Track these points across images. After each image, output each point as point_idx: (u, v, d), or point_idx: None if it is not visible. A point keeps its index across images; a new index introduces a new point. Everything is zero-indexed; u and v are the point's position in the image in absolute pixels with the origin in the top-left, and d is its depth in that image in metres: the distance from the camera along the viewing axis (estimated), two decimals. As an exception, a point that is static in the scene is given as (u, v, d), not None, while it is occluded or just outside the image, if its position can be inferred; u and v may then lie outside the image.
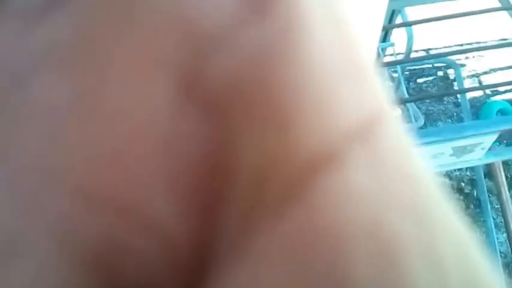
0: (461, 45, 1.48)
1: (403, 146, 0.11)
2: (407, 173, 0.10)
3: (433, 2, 0.96)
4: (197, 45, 0.10)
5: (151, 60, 0.10)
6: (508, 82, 0.87)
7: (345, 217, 0.09)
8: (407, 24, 0.99)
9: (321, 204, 0.09)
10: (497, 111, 1.35)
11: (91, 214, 0.09)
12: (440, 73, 1.52)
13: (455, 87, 1.47)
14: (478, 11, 0.84)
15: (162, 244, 0.10)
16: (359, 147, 0.10)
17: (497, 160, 0.95)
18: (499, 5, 0.91)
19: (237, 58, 0.10)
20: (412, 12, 1.08)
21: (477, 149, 0.83)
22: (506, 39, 1.43)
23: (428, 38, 1.42)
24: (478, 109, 1.41)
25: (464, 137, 0.77)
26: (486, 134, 0.77)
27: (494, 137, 0.78)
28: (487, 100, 1.43)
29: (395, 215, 0.09)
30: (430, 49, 1.48)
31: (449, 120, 1.44)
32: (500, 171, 1.04)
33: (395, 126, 0.11)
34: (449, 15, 0.83)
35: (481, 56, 1.50)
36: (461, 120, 1.35)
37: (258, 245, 0.09)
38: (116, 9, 0.10)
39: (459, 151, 0.81)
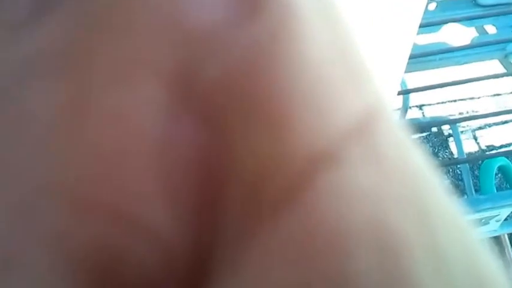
0: (455, 100, 1.47)
1: (401, 142, 0.10)
2: (406, 169, 0.10)
3: (432, 69, 0.94)
4: (190, 49, 0.10)
5: (144, 65, 0.10)
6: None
7: (345, 215, 0.09)
8: (405, 92, 0.96)
9: (320, 202, 0.09)
10: (497, 168, 1.32)
11: (87, 222, 0.09)
12: (434, 129, 1.51)
13: (451, 143, 1.45)
14: (482, 77, 0.81)
15: (160, 249, 0.09)
16: (356, 145, 0.10)
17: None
18: (502, 70, 0.89)
19: (230, 61, 0.10)
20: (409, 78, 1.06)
21: (492, 221, 0.79)
22: (499, 94, 1.43)
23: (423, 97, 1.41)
24: (474, 164, 1.39)
25: (481, 211, 0.73)
26: (504, 206, 0.73)
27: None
28: (484, 156, 1.41)
29: (395, 211, 0.09)
30: (423, 105, 1.47)
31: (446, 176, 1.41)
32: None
33: (392, 123, 0.11)
34: (450, 82, 0.80)
35: (475, 111, 1.49)
36: (459, 178, 1.33)
37: (257, 246, 0.09)
38: (107, 15, 0.10)
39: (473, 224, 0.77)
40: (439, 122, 1.28)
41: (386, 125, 0.10)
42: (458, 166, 1.33)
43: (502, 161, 1.33)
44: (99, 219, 0.09)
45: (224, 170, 0.10)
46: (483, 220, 0.77)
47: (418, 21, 0.59)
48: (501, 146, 1.45)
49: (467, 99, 1.48)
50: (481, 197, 0.83)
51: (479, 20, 0.86)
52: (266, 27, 0.10)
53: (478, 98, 1.47)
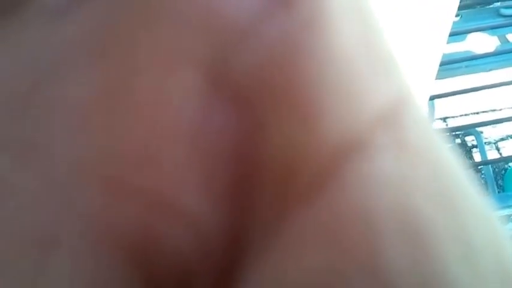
0: (477, 113, 1.50)
1: (428, 133, 0.11)
2: (433, 158, 0.10)
3: (458, 76, 0.99)
4: (223, 38, 0.10)
5: (179, 53, 0.10)
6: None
7: (374, 202, 0.09)
8: (432, 98, 1.00)
9: (349, 189, 0.09)
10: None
11: (123, 205, 0.09)
12: (458, 140, 1.53)
13: (474, 154, 1.47)
14: (501, 83, 0.85)
15: (194, 233, 0.10)
16: (384, 134, 0.10)
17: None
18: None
19: (263, 50, 0.10)
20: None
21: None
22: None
23: (445, 107, 1.44)
24: (497, 174, 1.41)
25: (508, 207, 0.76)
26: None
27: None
28: (508, 166, 1.43)
29: (423, 199, 0.09)
30: (447, 117, 1.50)
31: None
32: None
33: (419, 113, 0.11)
34: (471, 88, 0.84)
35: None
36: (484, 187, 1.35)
37: (290, 233, 0.09)
38: (142, 3, 0.10)
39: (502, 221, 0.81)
40: (464, 127, 1.32)
41: (413, 115, 0.10)
42: (482, 173, 1.36)
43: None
44: (135, 201, 0.09)
45: (256, 156, 0.10)
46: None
47: (448, 31, 0.64)
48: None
49: (489, 111, 1.51)
50: (509, 193, 0.86)
51: (502, 29, 0.91)
52: (298, 18, 0.10)
53: (501, 109, 1.50)
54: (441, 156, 0.10)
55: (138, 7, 0.10)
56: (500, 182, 1.39)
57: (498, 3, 0.92)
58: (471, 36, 0.90)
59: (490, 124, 1.19)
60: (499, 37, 0.95)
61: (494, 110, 1.51)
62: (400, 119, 0.10)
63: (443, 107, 1.38)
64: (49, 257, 0.09)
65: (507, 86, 0.85)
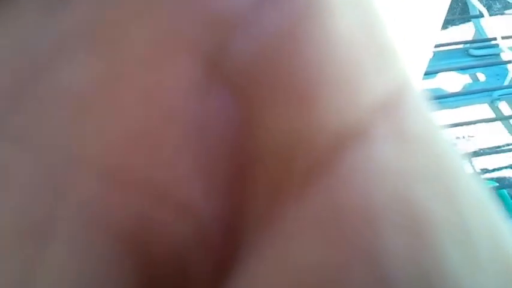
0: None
1: (427, 121, 0.10)
2: (432, 147, 0.10)
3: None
4: (220, 27, 0.10)
5: (176, 42, 0.10)
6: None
7: (372, 191, 0.09)
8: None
9: (348, 179, 0.09)
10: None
11: (119, 194, 0.09)
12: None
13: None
14: (471, 121, 0.89)
15: (192, 223, 0.10)
16: (384, 122, 0.10)
17: None
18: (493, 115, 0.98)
19: (260, 38, 0.10)
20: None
21: None
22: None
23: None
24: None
25: None
26: None
27: None
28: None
29: (422, 188, 0.09)
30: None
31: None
32: None
33: (419, 101, 0.11)
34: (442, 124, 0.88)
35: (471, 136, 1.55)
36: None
37: (287, 221, 0.09)
38: None
39: None
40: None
41: (413, 104, 0.10)
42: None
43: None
44: (132, 191, 0.09)
45: (254, 145, 0.10)
46: None
47: (423, 70, 0.67)
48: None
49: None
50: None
51: (472, 69, 0.96)
52: (296, 6, 0.10)
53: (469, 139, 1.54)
54: (441, 145, 0.10)
55: None
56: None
57: (468, 44, 0.97)
58: (442, 75, 0.95)
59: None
60: (470, 75, 1.00)
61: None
62: (399, 108, 0.10)
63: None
64: (45, 248, 0.09)
65: (476, 123, 0.89)
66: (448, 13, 0.67)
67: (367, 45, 0.10)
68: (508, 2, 1.05)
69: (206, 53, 0.10)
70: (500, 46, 0.93)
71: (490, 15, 0.94)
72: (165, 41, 0.10)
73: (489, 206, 0.10)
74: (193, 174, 0.10)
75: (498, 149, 1.04)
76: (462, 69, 0.93)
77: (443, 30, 0.99)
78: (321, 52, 0.10)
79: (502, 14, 1.05)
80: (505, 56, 0.93)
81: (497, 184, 1.25)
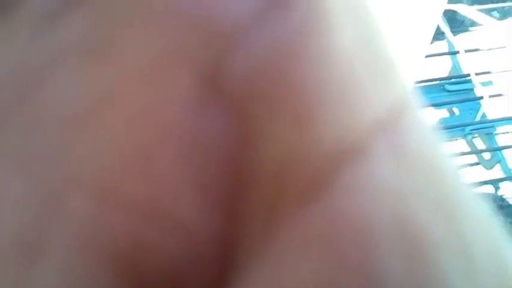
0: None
1: (428, 138, 0.10)
2: (432, 164, 0.10)
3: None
4: (217, 42, 0.10)
5: (172, 57, 0.10)
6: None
7: (370, 209, 0.09)
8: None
9: (345, 197, 0.09)
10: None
11: (114, 213, 0.09)
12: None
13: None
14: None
15: (186, 242, 0.10)
16: (383, 139, 0.10)
17: None
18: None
19: (258, 53, 0.10)
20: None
21: None
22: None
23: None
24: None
25: None
26: None
27: None
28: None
29: (421, 207, 0.09)
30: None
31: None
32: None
33: (420, 118, 0.10)
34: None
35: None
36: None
37: (283, 238, 0.09)
38: (135, 7, 0.10)
39: None
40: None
41: (412, 120, 0.10)
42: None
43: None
44: (126, 210, 0.09)
45: (250, 163, 0.10)
46: None
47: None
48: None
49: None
50: None
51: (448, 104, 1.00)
52: (293, 21, 0.10)
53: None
54: (440, 163, 0.10)
55: (129, 10, 0.10)
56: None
57: (444, 81, 1.02)
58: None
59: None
60: (447, 109, 1.04)
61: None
62: (398, 124, 0.10)
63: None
64: (36, 268, 0.09)
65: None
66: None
67: (367, 61, 0.10)
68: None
69: (203, 68, 0.10)
70: (473, 82, 0.98)
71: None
72: (161, 57, 0.10)
73: (490, 225, 0.10)
74: (187, 192, 0.10)
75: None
76: (437, 105, 0.97)
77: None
78: (319, 69, 0.10)
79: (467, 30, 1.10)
80: (477, 92, 0.98)
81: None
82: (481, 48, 1.01)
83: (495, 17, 1.36)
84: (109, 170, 0.09)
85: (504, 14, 1.38)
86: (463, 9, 1.04)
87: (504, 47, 1.00)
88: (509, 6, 1.41)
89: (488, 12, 1.33)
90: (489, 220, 0.10)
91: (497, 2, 1.35)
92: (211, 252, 0.10)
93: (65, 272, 0.09)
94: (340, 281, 0.09)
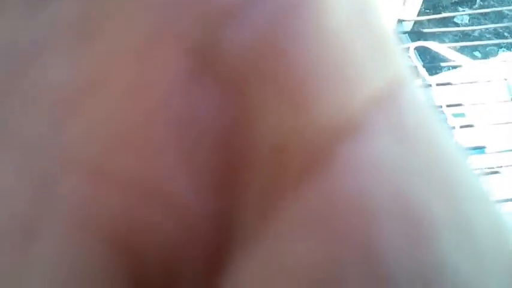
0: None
1: (426, 116, 0.10)
2: (431, 141, 0.10)
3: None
4: (211, 21, 0.10)
5: (165, 36, 0.09)
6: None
7: (371, 186, 0.09)
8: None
9: (344, 173, 0.09)
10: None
11: (107, 194, 0.09)
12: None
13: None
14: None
15: (182, 222, 0.09)
16: (381, 116, 0.10)
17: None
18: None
19: (252, 31, 0.09)
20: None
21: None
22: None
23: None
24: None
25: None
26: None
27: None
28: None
29: (420, 183, 0.09)
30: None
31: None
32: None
33: (416, 94, 0.10)
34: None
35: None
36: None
37: (281, 217, 0.09)
38: None
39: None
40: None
41: (410, 96, 0.10)
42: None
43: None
44: (120, 190, 0.09)
45: (245, 142, 0.10)
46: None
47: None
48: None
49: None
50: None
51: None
52: None
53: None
54: (439, 139, 0.10)
55: None
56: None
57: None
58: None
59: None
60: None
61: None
62: (396, 101, 0.10)
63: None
64: (30, 247, 0.09)
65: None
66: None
67: (362, 37, 0.10)
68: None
69: (196, 47, 0.10)
70: (445, 113, 1.01)
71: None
72: (153, 35, 0.09)
73: (490, 202, 0.10)
74: (181, 171, 0.09)
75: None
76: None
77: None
78: (314, 46, 0.09)
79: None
80: (449, 122, 1.01)
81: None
82: (452, 83, 1.05)
83: (477, 57, 1.41)
84: (102, 150, 0.09)
85: (486, 54, 1.43)
86: (435, 46, 1.09)
87: (475, 82, 1.04)
88: (491, 46, 1.46)
89: (470, 51, 1.39)
90: (488, 197, 0.10)
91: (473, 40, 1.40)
92: (207, 231, 0.10)
93: (61, 253, 0.09)
94: (339, 259, 0.09)
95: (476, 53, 1.46)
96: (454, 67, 1.16)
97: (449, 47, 1.10)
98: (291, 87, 0.09)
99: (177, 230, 0.10)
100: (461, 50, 1.34)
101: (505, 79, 1.02)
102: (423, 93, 0.11)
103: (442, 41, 1.28)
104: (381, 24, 0.11)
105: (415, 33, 1.23)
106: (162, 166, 0.10)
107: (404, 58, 0.11)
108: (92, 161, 0.09)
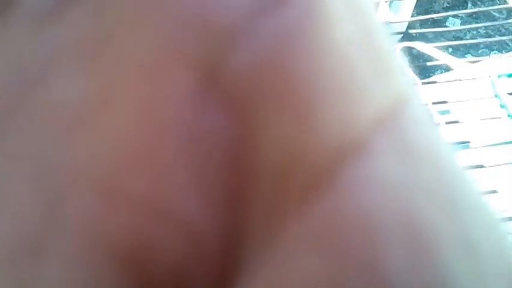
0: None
1: (429, 132, 0.10)
2: (435, 159, 0.10)
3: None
4: (215, 39, 0.10)
5: (171, 54, 0.10)
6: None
7: (374, 204, 0.09)
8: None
9: (348, 192, 0.09)
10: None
11: (117, 213, 0.09)
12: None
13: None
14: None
15: (191, 239, 0.10)
16: (384, 134, 0.10)
17: None
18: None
19: (256, 50, 0.10)
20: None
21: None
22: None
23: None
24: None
25: None
26: None
27: None
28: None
29: (425, 202, 0.09)
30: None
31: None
32: None
33: (420, 112, 0.11)
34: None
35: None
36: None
37: (286, 235, 0.09)
38: (132, 5, 0.10)
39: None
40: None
41: (414, 114, 0.10)
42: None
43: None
44: (130, 208, 0.09)
45: (251, 159, 0.10)
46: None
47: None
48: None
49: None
50: None
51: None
52: (292, 17, 0.10)
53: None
54: (442, 157, 0.10)
55: (127, 8, 0.10)
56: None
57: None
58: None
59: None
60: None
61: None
62: (400, 120, 0.10)
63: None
64: (39, 265, 0.09)
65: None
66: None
67: (366, 57, 0.10)
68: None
69: (202, 66, 0.10)
70: (431, 111, 1.05)
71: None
72: (159, 55, 0.10)
73: (492, 219, 0.10)
74: (190, 190, 0.10)
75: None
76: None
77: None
78: (319, 65, 0.10)
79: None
80: (435, 119, 1.05)
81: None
82: (438, 81, 1.08)
83: (469, 60, 1.44)
84: (112, 168, 0.09)
85: (478, 57, 1.46)
86: (421, 46, 1.12)
87: (460, 80, 1.07)
88: (483, 49, 1.49)
89: (462, 55, 1.42)
90: (491, 215, 0.10)
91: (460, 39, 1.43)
92: (215, 249, 0.10)
93: (71, 271, 0.09)
94: (345, 278, 0.09)
95: (469, 56, 1.50)
96: (447, 69, 1.18)
97: (440, 49, 1.13)
98: (296, 106, 0.10)
99: (186, 247, 0.10)
100: (454, 53, 1.38)
101: (489, 76, 1.05)
102: (425, 110, 0.11)
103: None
104: (383, 43, 0.11)
105: (406, 35, 1.26)
106: (173, 183, 0.10)
107: (406, 76, 0.11)
108: (102, 179, 0.10)
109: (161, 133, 0.10)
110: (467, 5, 1.60)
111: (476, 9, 1.47)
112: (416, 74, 1.11)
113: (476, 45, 1.48)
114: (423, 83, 1.07)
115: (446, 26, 1.54)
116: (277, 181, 0.10)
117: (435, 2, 1.56)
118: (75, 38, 0.10)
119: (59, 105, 0.10)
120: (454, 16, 1.52)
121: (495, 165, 0.97)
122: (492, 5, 1.55)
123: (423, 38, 1.32)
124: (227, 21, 0.10)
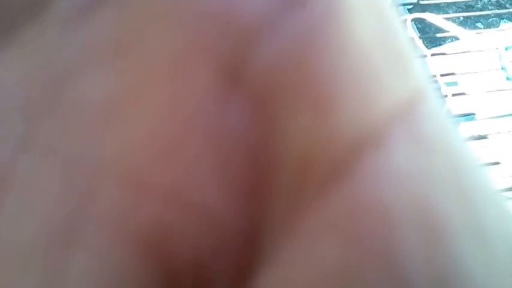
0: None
1: (444, 125, 0.11)
2: (449, 151, 0.10)
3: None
4: (239, 35, 0.10)
5: (196, 51, 0.10)
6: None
7: (391, 195, 0.09)
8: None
9: (366, 183, 0.09)
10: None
11: (145, 203, 0.10)
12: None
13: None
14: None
15: (213, 230, 0.10)
16: (401, 127, 0.10)
17: None
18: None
19: (278, 47, 0.10)
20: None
21: None
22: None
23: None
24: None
25: None
26: None
27: None
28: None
29: (439, 193, 0.09)
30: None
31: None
32: None
33: (435, 106, 0.11)
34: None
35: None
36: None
37: (306, 227, 0.10)
38: (158, 4, 0.10)
39: None
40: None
41: (429, 108, 0.11)
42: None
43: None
44: (156, 200, 0.10)
45: (271, 152, 0.10)
46: None
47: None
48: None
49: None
50: None
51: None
52: (313, 15, 0.10)
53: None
54: (458, 150, 0.10)
55: (154, 7, 0.10)
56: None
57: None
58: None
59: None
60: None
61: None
62: (416, 113, 0.10)
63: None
64: (69, 256, 0.09)
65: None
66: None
67: (384, 50, 0.10)
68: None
69: (227, 61, 0.10)
70: (439, 82, 1.07)
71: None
72: (185, 51, 0.10)
73: (506, 211, 0.10)
74: (213, 183, 0.10)
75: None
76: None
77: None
78: (339, 59, 0.10)
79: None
80: (443, 91, 1.07)
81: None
82: (446, 53, 1.10)
83: (479, 28, 1.45)
84: (141, 164, 0.10)
85: (488, 26, 1.47)
86: (431, 18, 1.14)
87: (468, 52, 1.09)
88: (493, 17, 1.50)
89: (473, 23, 1.42)
90: (504, 205, 0.11)
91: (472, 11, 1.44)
92: (236, 240, 0.10)
93: (100, 262, 0.09)
94: (363, 268, 0.09)
95: (479, 25, 1.50)
96: (456, 38, 1.20)
97: (451, 19, 1.14)
98: (316, 102, 0.10)
99: (208, 239, 0.10)
100: (464, 21, 1.38)
101: (497, 48, 1.06)
102: (441, 103, 0.11)
103: (446, 13, 1.32)
104: (401, 40, 0.11)
105: (418, 6, 1.27)
106: (196, 178, 0.10)
107: (423, 70, 0.11)
108: (131, 174, 0.10)
109: (187, 128, 0.10)
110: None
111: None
112: (426, 45, 1.13)
113: (487, 13, 1.49)
114: (432, 54, 1.09)
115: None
116: (296, 173, 0.10)
117: (447, -30, 1.56)
118: (104, 36, 0.10)
119: (89, 103, 0.10)
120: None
121: (501, 136, 0.99)
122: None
123: (435, 7, 1.33)
124: (251, 18, 0.10)
